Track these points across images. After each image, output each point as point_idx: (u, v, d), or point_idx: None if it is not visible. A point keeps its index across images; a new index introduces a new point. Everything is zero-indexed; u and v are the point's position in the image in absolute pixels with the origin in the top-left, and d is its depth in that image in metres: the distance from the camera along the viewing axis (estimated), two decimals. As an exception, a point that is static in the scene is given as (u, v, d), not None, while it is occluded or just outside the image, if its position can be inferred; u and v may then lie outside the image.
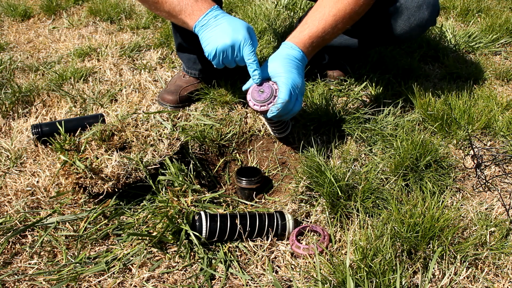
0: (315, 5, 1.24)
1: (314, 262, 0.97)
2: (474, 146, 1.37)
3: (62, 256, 1.04)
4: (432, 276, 0.96)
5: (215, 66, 1.19)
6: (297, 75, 1.17)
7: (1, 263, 1.03)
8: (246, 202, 1.24)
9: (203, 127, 1.45)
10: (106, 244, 1.08)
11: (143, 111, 1.59)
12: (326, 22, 1.20)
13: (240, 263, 1.03)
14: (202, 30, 1.16)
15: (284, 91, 1.13)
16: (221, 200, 1.22)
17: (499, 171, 1.33)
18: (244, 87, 1.23)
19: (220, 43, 1.13)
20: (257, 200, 1.26)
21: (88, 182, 1.14)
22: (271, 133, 1.40)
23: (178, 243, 1.04)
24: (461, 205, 1.19)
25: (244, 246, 1.07)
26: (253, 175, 1.26)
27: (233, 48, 1.13)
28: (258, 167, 1.39)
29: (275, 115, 1.15)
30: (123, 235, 1.08)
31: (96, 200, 1.20)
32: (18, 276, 0.99)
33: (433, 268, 0.97)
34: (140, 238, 1.06)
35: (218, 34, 1.13)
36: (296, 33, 1.22)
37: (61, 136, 1.28)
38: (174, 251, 1.05)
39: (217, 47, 1.13)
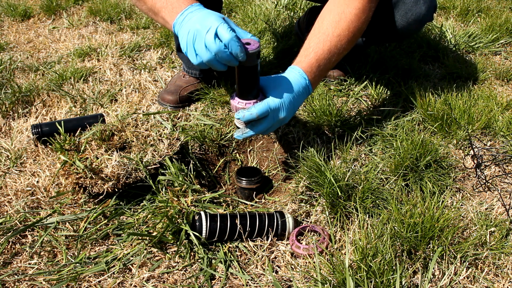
0: (316, 26, 1.19)
1: (314, 262, 0.97)
2: (474, 146, 1.37)
3: (62, 256, 1.04)
4: (432, 276, 0.96)
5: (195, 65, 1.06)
6: (286, 110, 1.09)
7: (1, 263, 1.03)
8: (246, 202, 1.24)
9: (203, 127, 1.45)
10: (106, 244, 1.09)
11: (143, 112, 1.59)
12: (331, 43, 1.15)
13: (240, 263, 1.03)
14: (179, 28, 1.06)
15: (260, 108, 1.04)
16: (221, 200, 1.22)
17: (499, 171, 1.33)
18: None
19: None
20: (257, 200, 1.26)
21: (88, 182, 1.14)
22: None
23: (178, 243, 1.04)
24: (461, 205, 1.19)
25: (244, 246, 1.07)
26: (253, 175, 1.26)
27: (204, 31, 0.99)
28: (258, 167, 1.39)
29: (238, 116, 1.06)
30: (123, 235, 1.08)
31: (96, 200, 1.20)
32: (18, 276, 0.99)
33: (433, 268, 0.97)
34: (140, 238, 1.06)
35: (190, 26, 1.01)
36: (301, 57, 1.16)
37: (61, 136, 1.28)
38: (174, 251, 1.05)
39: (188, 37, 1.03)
